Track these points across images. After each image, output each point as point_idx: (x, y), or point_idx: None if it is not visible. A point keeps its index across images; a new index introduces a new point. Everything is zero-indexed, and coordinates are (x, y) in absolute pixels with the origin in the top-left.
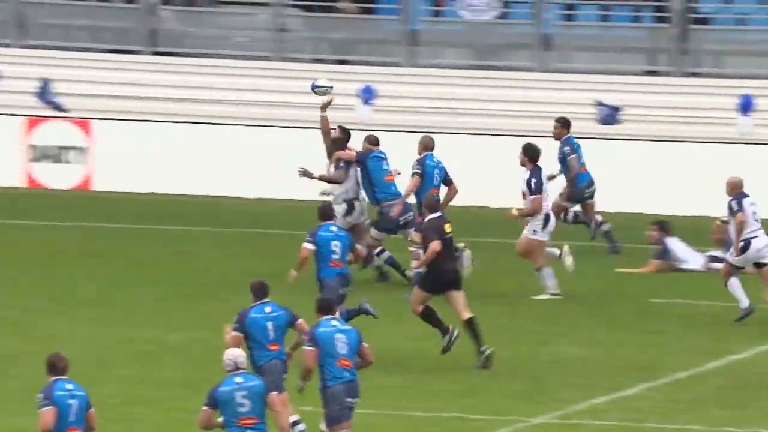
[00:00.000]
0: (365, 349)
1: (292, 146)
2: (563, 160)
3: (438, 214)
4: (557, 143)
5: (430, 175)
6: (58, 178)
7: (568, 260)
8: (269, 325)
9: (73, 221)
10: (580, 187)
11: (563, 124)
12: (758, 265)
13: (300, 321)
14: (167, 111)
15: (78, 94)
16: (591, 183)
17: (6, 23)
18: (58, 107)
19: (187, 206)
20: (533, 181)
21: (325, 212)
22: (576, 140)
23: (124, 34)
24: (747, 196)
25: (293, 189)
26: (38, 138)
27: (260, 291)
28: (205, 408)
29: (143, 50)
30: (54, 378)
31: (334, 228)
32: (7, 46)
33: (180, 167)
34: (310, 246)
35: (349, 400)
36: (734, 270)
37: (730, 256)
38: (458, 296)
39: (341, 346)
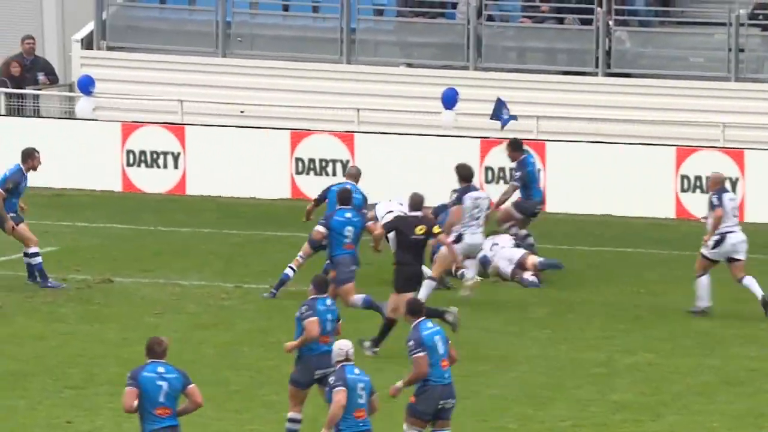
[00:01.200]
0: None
1: None
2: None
3: (417, 213)
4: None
5: None
6: None
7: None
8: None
9: None
10: (533, 202)
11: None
12: (731, 260)
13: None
14: (616, 132)
15: (532, 116)
16: (542, 201)
17: (461, 46)
18: (505, 122)
19: (636, 227)
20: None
21: (343, 196)
22: (532, 158)
23: (578, 55)
24: (727, 191)
25: None
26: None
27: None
28: None
29: (597, 71)
30: (149, 360)
31: (348, 214)
32: (464, 68)
33: (623, 188)
34: (322, 229)
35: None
36: (709, 265)
37: (705, 250)
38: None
39: (440, 346)
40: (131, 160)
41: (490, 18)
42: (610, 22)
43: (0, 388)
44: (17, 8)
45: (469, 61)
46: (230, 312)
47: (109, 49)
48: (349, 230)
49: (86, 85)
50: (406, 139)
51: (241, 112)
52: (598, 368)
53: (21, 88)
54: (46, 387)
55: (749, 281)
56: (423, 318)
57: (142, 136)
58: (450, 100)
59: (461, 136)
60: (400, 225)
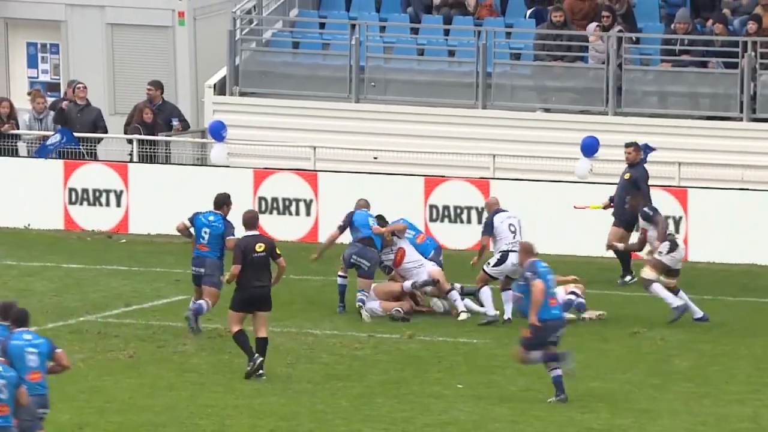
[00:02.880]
0: None
1: None
2: None
3: (254, 232)
4: None
5: None
6: None
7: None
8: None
9: None
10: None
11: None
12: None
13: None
14: (761, 179)
15: (674, 162)
16: None
17: (599, 91)
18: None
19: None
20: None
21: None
22: None
23: (721, 100)
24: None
25: None
26: None
27: None
28: None
29: (741, 116)
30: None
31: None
32: (603, 113)
33: None
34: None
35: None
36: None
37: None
38: (262, 317)
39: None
40: (263, 207)
41: (628, 62)
42: (756, 66)
43: None
44: (151, 54)
45: (607, 106)
46: (363, 362)
47: (242, 94)
48: None
49: (218, 130)
50: (541, 186)
51: (375, 158)
52: (743, 423)
53: (153, 134)
54: None
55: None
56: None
57: (274, 182)
58: (590, 148)
59: (597, 183)
60: (240, 247)
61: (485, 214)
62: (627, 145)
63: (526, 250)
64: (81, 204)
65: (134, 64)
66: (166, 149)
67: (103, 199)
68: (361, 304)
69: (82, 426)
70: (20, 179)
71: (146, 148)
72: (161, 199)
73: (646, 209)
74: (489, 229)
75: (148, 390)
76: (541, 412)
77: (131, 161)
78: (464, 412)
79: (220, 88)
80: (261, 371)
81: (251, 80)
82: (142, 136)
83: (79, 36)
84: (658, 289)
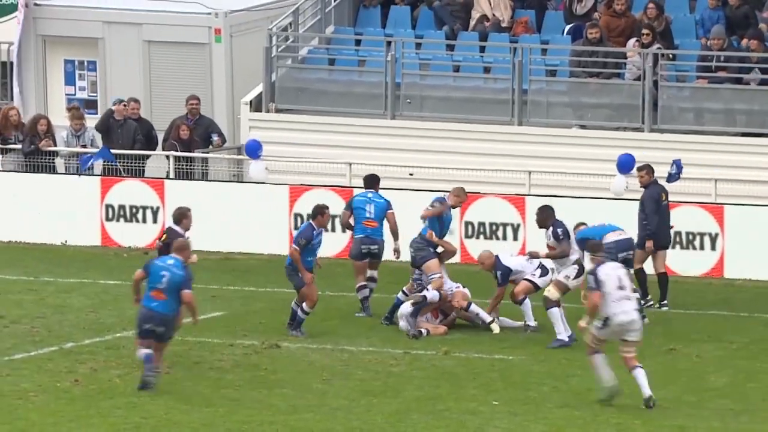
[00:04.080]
0: None
1: None
2: None
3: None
4: None
5: None
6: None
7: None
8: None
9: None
10: None
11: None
12: None
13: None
14: None
15: (710, 179)
16: None
17: (636, 107)
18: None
19: None
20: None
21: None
22: None
23: (757, 116)
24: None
25: None
26: None
27: None
28: None
29: None
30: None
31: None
32: (639, 130)
33: None
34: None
35: None
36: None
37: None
38: None
39: None
40: (299, 224)
41: (664, 78)
42: None
43: None
44: (187, 71)
45: (643, 123)
46: (399, 378)
47: (278, 111)
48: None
49: (254, 150)
50: (577, 203)
51: (410, 174)
52: None
53: (189, 151)
54: None
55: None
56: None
57: (310, 198)
58: (626, 165)
59: (633, 199)
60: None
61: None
62: (639, 169)
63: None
64: (118, 220)
65: (171, 81)
66: (202, 165)
67: (139, 216)
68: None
69: None
70: (58, 196)
71: (183, 165)
72: (198, 216)
73: (560, 229)
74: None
75: (184, 406)
76: (577, 429)
77: (167, 178)
78: (500, 428)
79: (256, 105)
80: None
81: (287, 97)
82: (179, 153)
83: (117, 53)
84: (555, 315)
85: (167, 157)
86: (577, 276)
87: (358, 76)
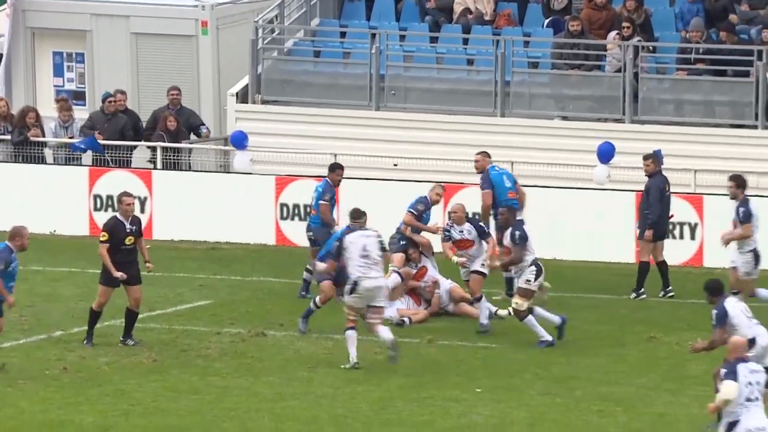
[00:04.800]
0: None
1: None
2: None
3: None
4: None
5: None
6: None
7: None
8: None
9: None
10: None
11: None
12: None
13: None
14: None
15: (690, 169)
16: None
17: (617, 99)
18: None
19: None
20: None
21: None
22: None
23: (737, 108)
24: None
25: None
26: None
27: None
28: None
29: (756, 124)
30: None
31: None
32: (620, 121)
33: None
34: None
35: None
36: None
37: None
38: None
39: None
40: (285, 214)
41: (644, 70)
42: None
43: None
44: (174, 63)
45: (624, 114)
46: (382, 367)
47: (264, 102)
48: None
49: (240, 140)
50: (560, 193)
51: (395, 165)
52: None
53: (176, 142)
54: None
55: None
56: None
57: (295, 189)
58: (606, 154)
59: (615, 189)
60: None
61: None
62: (645, 158)
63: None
64: (106, 210)
65: (158, 73)
66: (188, 156)
67: None
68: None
69: (107, 428)
70: (46, 186)
71: (170, 156)
72: (185, 206)
73: (518, 232)
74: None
75: (171, 393)
76: (558, 416)
77: (155, 168)
78: (483, 415)
79: (243, 97)
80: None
81: (273, 88)
82: (167, 144)
83: (104, 45)
84: (532, 322)
85: (153, 147)
86: (537, 277)
87: (342, 68)
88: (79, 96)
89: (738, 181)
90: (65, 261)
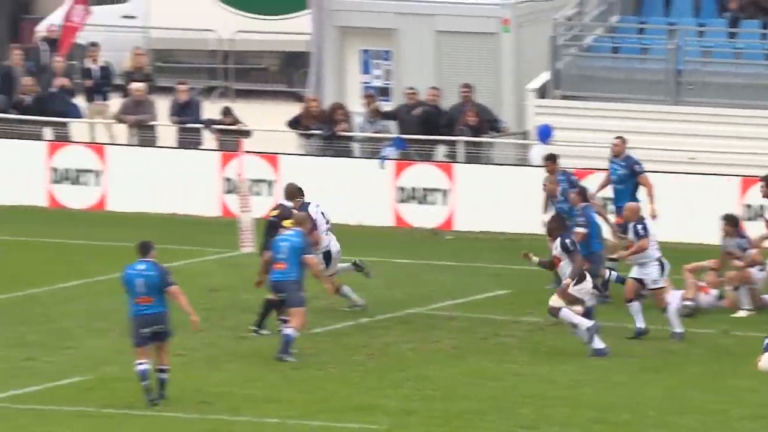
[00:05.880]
0: None
1: None
2: None
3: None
4: None
5: None
6: None
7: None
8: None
9: None
10: None
11: None
12: None
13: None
14: None
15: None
16: None
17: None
18: None
19: None
20: None
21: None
22: None
23: None
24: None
25: None
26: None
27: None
28: None
29: None
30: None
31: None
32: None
33: None
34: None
35: None
36: None
37: None
38: None
39: None
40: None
41: None
42: None
43: (456, 427)
44: (475, 60)
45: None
46: (677, 356)
47: (563, 98)
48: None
49: (546, 135)
50: None
51: (692, 159)
52: None
53: (477, 136)
54: (497, 427)
55: None
56: None
57: (594, 183)
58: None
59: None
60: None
61: None
62: None
63: None
64: (408, 202)
65: (459, 70)
66: (489, 150)
67: (430, 198)
68: None
69: (409, 413)
70: (352, 178)
71: (470, 149)
72: (485, 198)
73: (567, 241)
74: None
75: (470, 379)
76: None
77: (455, 161)
78: None
79: (541, 92)
80: None
81: (571, 84)
82: (467, 138)
83: (410, 43)
84: (567, 314)
85: (453, 142)
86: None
87: (640, 63)
88: (384, 92)
89: None
90: (372, 251)
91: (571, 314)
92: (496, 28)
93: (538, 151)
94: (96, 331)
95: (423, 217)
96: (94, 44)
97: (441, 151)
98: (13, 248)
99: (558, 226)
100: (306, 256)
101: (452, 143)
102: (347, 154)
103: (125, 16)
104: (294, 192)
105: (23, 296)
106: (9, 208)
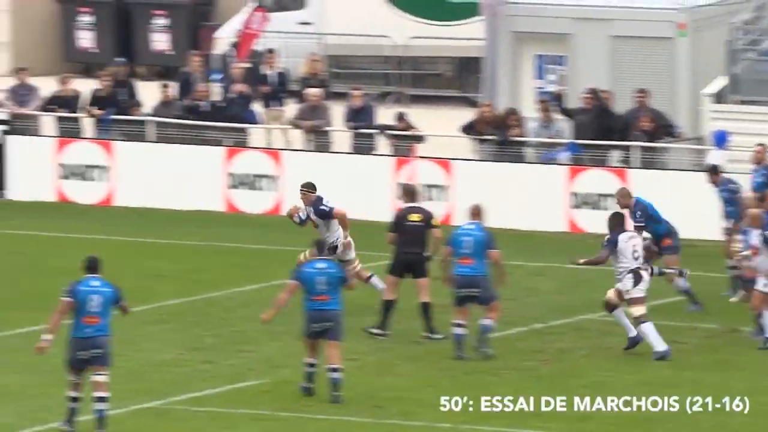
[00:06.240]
0: None
1: None
2: None
3: (411, 204)
4: None
5: None
6: None
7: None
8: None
9: None
10: None
11: None
12: None
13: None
14: None
15: None
16: None
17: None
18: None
19: None
20: None
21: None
22: None
23: None
24: None
25: None
26: None
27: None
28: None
29: None
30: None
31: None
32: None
33: None
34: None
35: None
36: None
37: None
38: (420, 282)
39: None
40: None
41: None
42: None
43: None
44: (650, 64)
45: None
46: None
47: (741, 103)
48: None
49: (721, 140)
50: None
51: None
52: None
53: (652, 141)
54: None
55: None
56: None
57: None
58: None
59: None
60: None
61: None
62: None
63: None
64: (582, 208)
65: (634, 75)
66: (664, 155)
67: (604, 204)
68: None
69: (584, 419)
70: (526, 184)
71: (646, 155)
72: (660, 204)
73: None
74: None
75: (644, 387)
76: None
77: (630, 167)
78: None
79: (718, 97)
80: None
81: (749, 89)
82: (642, 143)
83: (585, 48)
84: (619, 315)
85: (627, 147)
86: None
87: None
88: (557, 97)
89: None
90: (545, 256)
91: (622, 316)
92: (672, 33)
93: (714, 157)
94: (272, 333)
95: (596, 222)
96: (271, 50)
97: (615, 157)
98: (194, 252)
99: (616, 224)
100: (491, 250)
101: (626, 148)
102: (521, 159)
103: (301, 23)
104: (412, 193)
105: (202, 300)
106: (188, 212)
